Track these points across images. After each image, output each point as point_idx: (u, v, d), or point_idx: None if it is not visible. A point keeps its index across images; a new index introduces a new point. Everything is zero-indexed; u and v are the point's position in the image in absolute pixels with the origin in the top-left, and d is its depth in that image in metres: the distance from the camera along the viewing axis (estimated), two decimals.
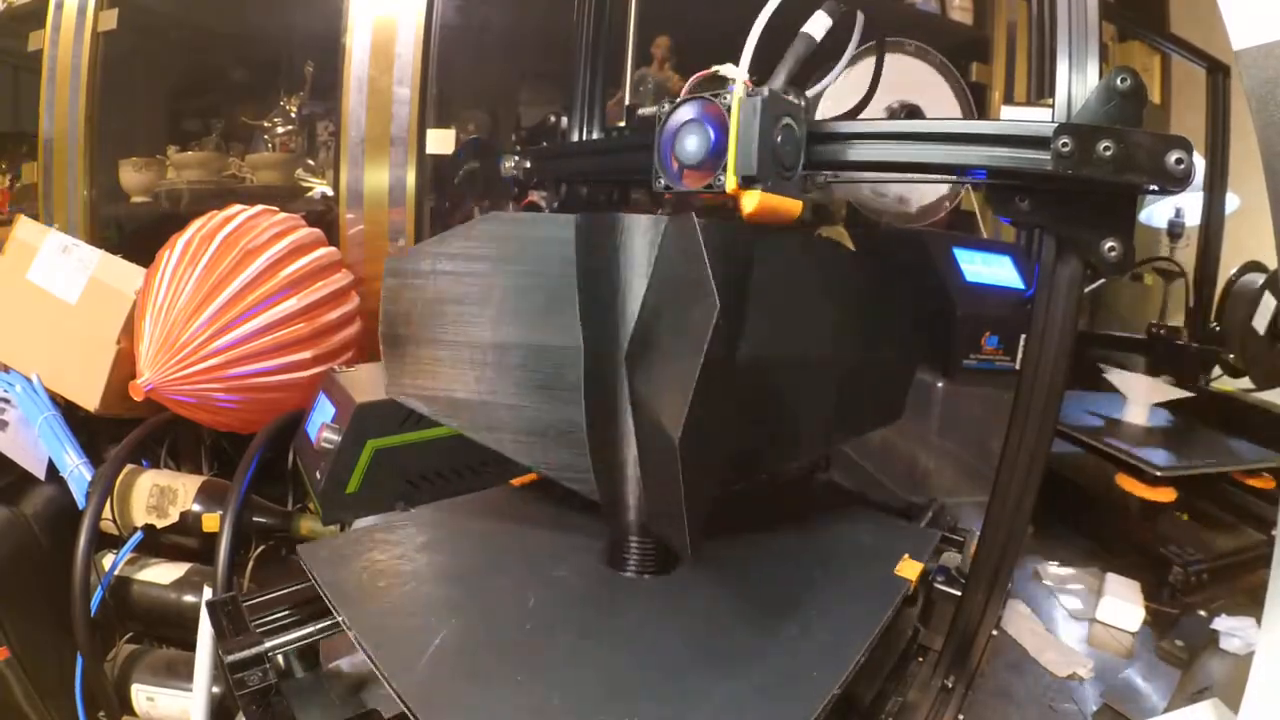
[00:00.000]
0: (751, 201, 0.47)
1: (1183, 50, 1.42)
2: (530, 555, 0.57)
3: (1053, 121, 0.44)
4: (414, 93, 1.13)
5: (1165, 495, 0.90)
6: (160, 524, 0.83)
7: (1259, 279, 1.23)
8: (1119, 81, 0.45)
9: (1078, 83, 0.47)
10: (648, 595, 0.52)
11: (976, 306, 0.85)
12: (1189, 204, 1.40)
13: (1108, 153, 0.42)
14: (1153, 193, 0.44)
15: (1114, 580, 0.80)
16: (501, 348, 0.53)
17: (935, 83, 0.69)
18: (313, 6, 1.20)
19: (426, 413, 0.56)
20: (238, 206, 0.99)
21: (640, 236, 0.50)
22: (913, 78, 0.68)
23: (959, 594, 0.52)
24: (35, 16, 1.28)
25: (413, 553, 0.56)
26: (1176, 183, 0.43)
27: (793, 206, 0.49)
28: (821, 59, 0.56)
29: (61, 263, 0.99)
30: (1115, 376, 1.07)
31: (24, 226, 1.03)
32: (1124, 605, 0.76)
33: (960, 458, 0.83)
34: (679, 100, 0.50)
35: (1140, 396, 1.05)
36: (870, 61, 0.66)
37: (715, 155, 0.48)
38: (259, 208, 1.00)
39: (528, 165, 0.80)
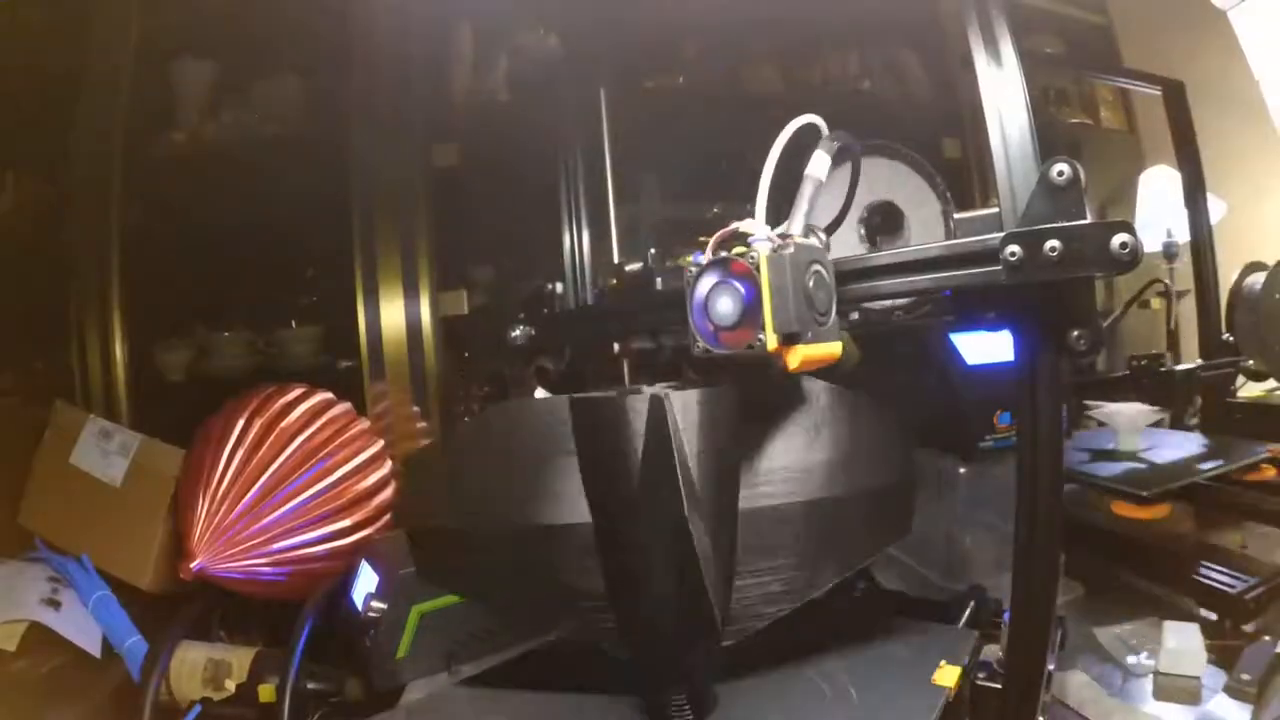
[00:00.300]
0: (796, 358, 0.46)
1: (1136, 80, 1.46)
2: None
3: (1000, 230, 0.46)
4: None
5: (1160, 512, 0.95)
6: (216, 697, 0.84)
7: (1262, 279, 1.22)
8: (1056, 175, 0.47)
9: (1019, 184, 0.49)
10: None
11: (982, 390, 0.86)
12: (1177, 222, 1.41)
13: (1054, 253, 0.44)
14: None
15: (1171, 628, 0.78)
16: (519, 531, 0.54)
17: (905, 175, 0.71)
18: None
19: (456, 593, 0.60)
20: (271, 387, 1.03)
21: (629, 416, 0.50)
22: (881, 173, 0.71)
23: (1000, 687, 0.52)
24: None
25: None
26: (1125, 267, 0.45)
27: (833, 351, 0.48)
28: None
29: (102, 447, 1.03)
30: (1101, 412, 1.09)
31: (63, 412, 1.07)
32: (1184, 652, 0.74)
33: (997, 530, 0.83)
34: (705, 264, 0.48)
35: (1126, 425, 1.09)
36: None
37: (751, 313, 0.46)
38: (292, 390, 1.03)
39: (533, 333, 0.85)
